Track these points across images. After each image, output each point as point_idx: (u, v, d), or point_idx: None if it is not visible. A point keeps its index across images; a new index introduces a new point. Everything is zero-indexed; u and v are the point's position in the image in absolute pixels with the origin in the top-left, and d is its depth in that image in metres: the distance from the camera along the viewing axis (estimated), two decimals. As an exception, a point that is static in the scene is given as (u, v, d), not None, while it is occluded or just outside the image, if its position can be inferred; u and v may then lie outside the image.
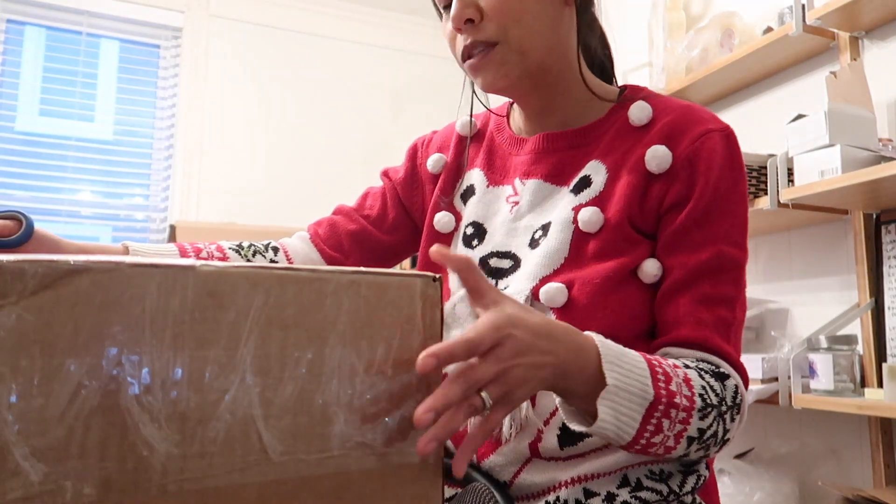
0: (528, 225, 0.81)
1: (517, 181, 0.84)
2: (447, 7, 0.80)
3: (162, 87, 2.97)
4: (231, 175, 2.94)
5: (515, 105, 0.89)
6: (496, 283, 0.80)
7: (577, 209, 0.76)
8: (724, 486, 1.62)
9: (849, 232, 1.67)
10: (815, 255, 1.77)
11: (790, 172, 1.55)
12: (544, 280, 0.76)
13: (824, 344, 1.48)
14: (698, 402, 0.65)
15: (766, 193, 1.59)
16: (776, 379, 1.57)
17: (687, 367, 0.67)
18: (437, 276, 0.48)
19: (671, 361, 0.67)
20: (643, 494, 0.70)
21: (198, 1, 2.98)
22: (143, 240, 2.87)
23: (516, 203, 0.82)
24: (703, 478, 0.73)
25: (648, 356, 0.65)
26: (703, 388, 0.66)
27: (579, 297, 0.73)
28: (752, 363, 1.61)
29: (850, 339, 1.48)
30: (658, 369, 0.64)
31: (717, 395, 0.67)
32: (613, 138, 0.80)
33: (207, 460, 0.39)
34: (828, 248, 1.73)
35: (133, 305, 0.38)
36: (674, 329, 0.72)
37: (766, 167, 1.60)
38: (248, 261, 0.92)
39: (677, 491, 0.71)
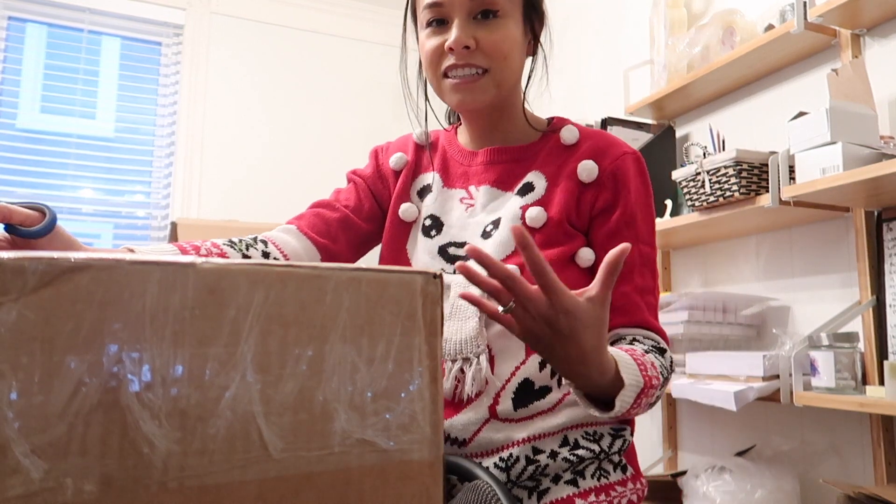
0: (480, 221, 0.96)
1: (471, 187, 1.00)
2: (435, 22, 0.93)
3: (163, 85, 2.98)
4: (232, 172, 2.94)
5: (463, 125, 1.05)
6: (454, 269, 0.92)
7: (524, 208, 0.93)
8: (726, 484, 1.63)
9: (850, 229, 1.67)
10: (816, 252, 1.77)
11: (791, 170, 1.54)
12: None
13: (825, 341, 1.48)
14: (662, 381, 0.83)
15: (767, 191, 1.59)
16: (777, 376, 1.57)
17: (646, 351, 0.84)
18: (438, 273, 0.48)
19: (638, 349, 0.83)
20: (580, 452, 0.86)
21: (199, -2, 2.98)
22: (144, 237, 2.88)
23: (471, 204, 0.98)
24: (627, 442, 0.91)
25: (634, 352, 0.80)
26: (662, 366, 0.84)
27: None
28: (754, 360, 1.61)
29: (851, 337, 1.48)
30: (641, 362, 0.79)
31: (667, 370, 0.86)
32: (548, 154, 0.98)
33: (208, 457, 0.39)
34: (829, 246, 1.73)
35: (133, 302, 0.38)
36: (624, 314, 0.89)
37: (767, 165, 1.60)
38: (244, 254, 0.95)
39: (606, 450, 0.88)
